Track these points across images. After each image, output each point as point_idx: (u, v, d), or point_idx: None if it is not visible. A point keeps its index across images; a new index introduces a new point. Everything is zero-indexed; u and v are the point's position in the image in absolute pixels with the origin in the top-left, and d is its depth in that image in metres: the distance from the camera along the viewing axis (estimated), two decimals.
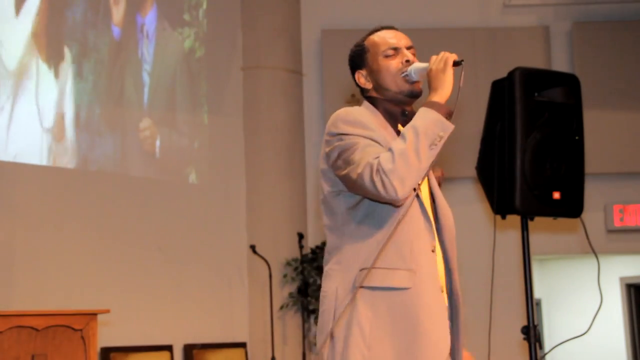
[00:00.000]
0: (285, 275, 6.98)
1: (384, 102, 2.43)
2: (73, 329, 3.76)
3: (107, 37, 6.54)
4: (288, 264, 6.98)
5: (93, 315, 3.84)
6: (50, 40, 6.18)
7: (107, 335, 5.71)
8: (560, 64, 7.57)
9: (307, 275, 6.92)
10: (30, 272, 5.78)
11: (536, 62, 7.27)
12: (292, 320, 6.97)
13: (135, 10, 6.78)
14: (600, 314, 3.84)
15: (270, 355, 6.64)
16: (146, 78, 6.78)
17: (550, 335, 10.12)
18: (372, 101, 2.45)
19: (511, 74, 3.78)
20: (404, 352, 2.23)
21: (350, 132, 2.29)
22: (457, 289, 2.39)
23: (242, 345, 6.82)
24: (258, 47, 7.36)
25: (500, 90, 3.81)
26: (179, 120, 6.98)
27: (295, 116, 7.44)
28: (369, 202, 2.29)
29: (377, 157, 2.20)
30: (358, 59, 2.47)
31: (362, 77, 2.46)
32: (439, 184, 2.51)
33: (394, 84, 2.40)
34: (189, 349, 6.53)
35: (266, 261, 6.82)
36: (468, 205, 7.14)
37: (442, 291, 2.33)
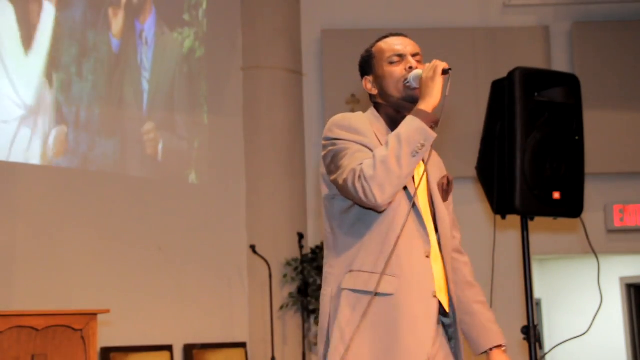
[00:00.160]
0: (285, 275, 6.98)
1: (387, 108, 2.47)
2: (73, 329, 3.76)
3: (105, 41, 6.54)
4: (288, 264, 6.98)
5: (93, 315, 3.84)
6: (50, 40, 6.17)
7: (107, 335, 5.71)
8: (560, 64, 7.57)
9: (307, 275, 6.92)
10: (30, 272, 5.78)
11: (536, 62, 7.28)
12: (292, 320, 6.97)
13: (133, 17, 6.77)
14: (600, 314, 3.84)
15: (270, 355, 6.64)
16: (146, 78, 6.78)
17: (550, 335, 10.12)
18: (377, 107, 2.49)
19: (511, 74, 3.78)
20: (381, 357, 2.26)
21: (343, 137, 2.34)
22: (453, 293, 2.41)
23: (242, 345, 6.82)
24: (258, 47, 7.36)
25: (500, 90, 3.81)
26: (178, 121, 6.98)
27: (295, 116, 7.43)
28: (360, 207, 2.32)
29: (361, 164, 2.24)
30: (366, 65, 2.51)
31: (369, 83, 2.50)
32: (446, 190, 2.51)
33: (396, 91, 2.42)
34: (189, 349, 6.53)
35: (266, 261, 6.82)
36: (468, 205, 7.13)
37: (434, 296, 2.33)
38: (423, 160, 2.37)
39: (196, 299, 6.68)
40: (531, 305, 3.76)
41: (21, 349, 3.64)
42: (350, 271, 2.32)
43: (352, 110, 6.50)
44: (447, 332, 2.42)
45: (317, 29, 7.71)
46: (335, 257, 2.38)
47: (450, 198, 2.55)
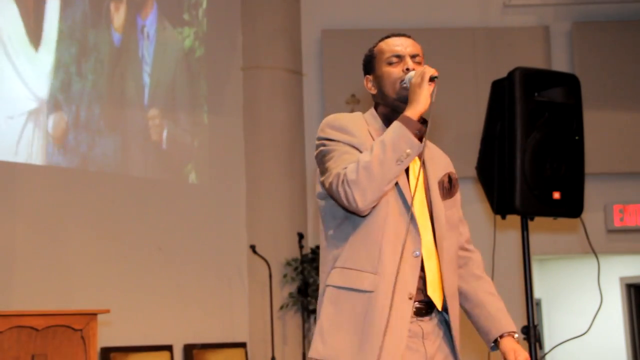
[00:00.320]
0: (285, 275, 6.98)
1: (384, 108, 2.48)
2: (73, 329, 3.76)
3: (106, 37, 6.54)
4: (288, 264, 6.98)
5: (93, 315, 3.84)
6: (50, 41, 6.17)
7: (107, 335, 5.72)
8: (560, 64, 7.57)
9: (307, 275, 6.92)
10: (30, 272, 5.78)
11: (536, 62, 7.27)
12: (292, 320, 6.97)
13: (135, 12, 6.78)
14: (600, 314, 3.84)
15: (270, 355, 6.64)
16: (146, 78, 6.78)
17: (550, 335, 10.12)
18: (376, 107, 2.52)
19: (511, 74, 3.78)
20: (356, 353, 2.27)
21: (333, 138, 2.37)
22: (450, 292, 2.40)
23: (242, 345, 6.82)
24: (258, 47, 7.35)
25: (500, 90, 3.81)
26: (178, 120, 6.98)
27: (295, 116, 7.43)
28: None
29: (346, 168, 2.26)
30: (367, 65, 2.53)
31: (369, 83, 2.52)
32: (447, 188, 2.50)
33: (393, 91, 2.43)
34: (189, 349, 6.53)
35: (266, 261, 6.82)
36: (468, 205, 7.07)
37: (410, 298, 2.30)
38: (420, 158, 2.37)
39: (196, 299, 6.68)
40: (531, 305, 3.76)
41: (21, 349, 3.64)
42: (334, 268, 2.36)
43: (352, 110, 6.50)
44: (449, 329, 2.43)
45: (317, 29, 7.71)
46: (325, 256, 2.42)
47: (458, 195, 2.54)
